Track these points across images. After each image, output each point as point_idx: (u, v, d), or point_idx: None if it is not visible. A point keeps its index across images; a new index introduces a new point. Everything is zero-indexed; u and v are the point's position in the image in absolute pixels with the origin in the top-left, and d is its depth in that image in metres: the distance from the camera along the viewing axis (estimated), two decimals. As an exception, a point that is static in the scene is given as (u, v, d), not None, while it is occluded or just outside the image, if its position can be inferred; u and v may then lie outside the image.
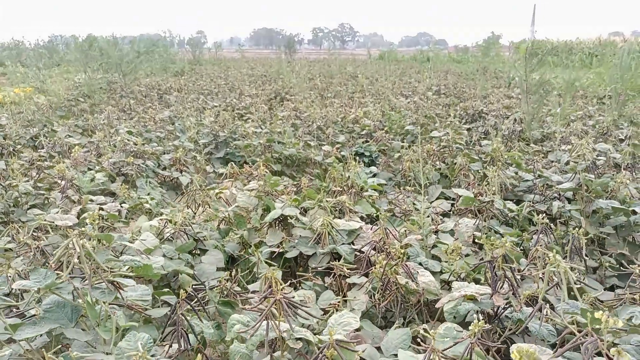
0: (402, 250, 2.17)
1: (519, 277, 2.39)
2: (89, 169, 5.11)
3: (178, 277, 2.88)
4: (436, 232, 3.26)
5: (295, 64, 24.60)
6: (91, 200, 3.71)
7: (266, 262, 2.82)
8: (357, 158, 5.52)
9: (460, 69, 22.49)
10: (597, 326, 1.28)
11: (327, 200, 3.31)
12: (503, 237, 3.16)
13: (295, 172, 5.73)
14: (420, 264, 2.65)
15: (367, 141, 6.58)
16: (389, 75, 17.98)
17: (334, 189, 3.69)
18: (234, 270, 3.19)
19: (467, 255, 2.99)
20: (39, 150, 5.89)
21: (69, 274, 1.79)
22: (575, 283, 1.67)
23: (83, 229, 2.29)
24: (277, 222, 3.22)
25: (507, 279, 1.97)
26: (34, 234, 3.11)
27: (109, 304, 1.92)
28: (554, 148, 5.19)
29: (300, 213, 3.14)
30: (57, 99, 11.28)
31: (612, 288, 2.92)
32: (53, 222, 3.20)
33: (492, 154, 4.31)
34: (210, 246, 3.24)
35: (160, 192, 5.01)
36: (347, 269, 2.52)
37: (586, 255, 2.86)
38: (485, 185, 3.19)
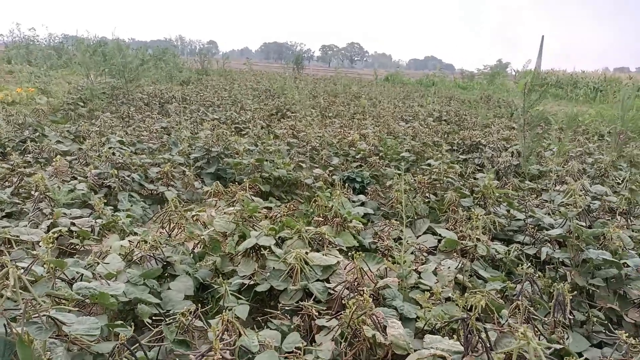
0: (369, 300, 2.02)
1: (498, 332, 2.24)
2: (74, 178, 5.00)
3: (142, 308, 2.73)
4: (418, 271, 3.12)
5: (301, 80, 24.66)
6: (64, 214, 3.58)
7: (235, 295, 2.67)
8: (347, 184, 5.39)
9: (465, 96, 22.49)
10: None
11: (306, 230, 3.17)
12: (486, 282, 3.02)
13: (284, 193, 5.59)
14: (395, 308, 2.50)
15: (360, 166, 6.47)
16: (392, 98, 17.96)
17: (316, 218, 3.56)
18: (201, 300, 3.05)
19: (447, 299, 2.84)
20: (26, 155, 5.78)
21: (3, 305, 1.65)
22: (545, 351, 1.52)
23: (35, 251, 2.15)
24: (252, 251, 3.07)
25: (480, 339, 1.82)
26: (-4, 247, 2.96)
27: (50, 339, 1.77)
28: (548, 187, 5.06)
29: (276, 244, 3.00)
30: (57, 101, 11.23)
31: (599, 345, 2.76)
32: (18, 237, 3.07)
33: (484, 190, 4.18)
34: (181, 271, 3.10)
35: (143, 207, 4.88)
36: (317, 310, 2.37)
37: (573, 309, 2.71)
38: (469, 229, 3.05)
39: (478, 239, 2.93)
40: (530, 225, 3.93)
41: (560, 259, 3.20)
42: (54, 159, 4.72)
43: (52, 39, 34.74)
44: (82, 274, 2.42)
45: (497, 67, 36.19)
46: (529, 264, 3.09)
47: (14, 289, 1.56)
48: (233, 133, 8.79)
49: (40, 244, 2.17)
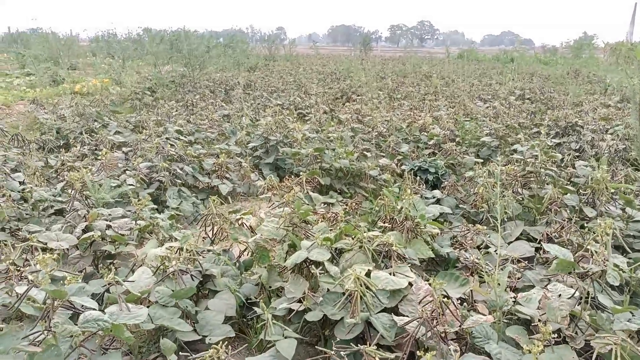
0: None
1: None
2: (125, 171, 4.75)
3: (173, 333, 2.30)
4: (514, 292, 2.43)
5: (367, 62, 23.76)
6: (102, 215, 3.25)
7: (279, 325, 2.16)
8: (418, 175, 4.71)
9: (548, 72, 20.49)
10: None
11: (370, 239, 2.58)
12: (607, 311, 2.27)
13: (347, 186, 5.02)
14: (489, 355, 1.86)
15: (434, 153, 5.73)
16: (467, 76, 16.68)
17: (381, 224, 2.95)
18: (246, 321, 2.57)
19: (558, 337, 2.14)
20: (83, 147, 5.65)
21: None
22: None
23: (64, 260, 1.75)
24: (303, 266, 2.54)
25: None
26: (23, 255, 2.67)
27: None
28: (676, 178, 4.07)
29: (332, 257, 2.44)
30: (128, 92, 11.39)
31: None
32: (46, 244, 2.76)
33: (594, 184, 3.34)
34: (222, 286, 2.65)
35: (194, 203, 4.52)
36: (383, 357, 1.79)
37: None
38: (592, 243, 2.28)
39: (605, 260, 2.16)
40: (658, 231, 3.07)
41: None
42: (101, 152, 4.46)
43: (130, 33, 36.29)
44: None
45: (583, 39, 32.97)
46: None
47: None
48: (296, 119, 8.32)
49: (37, 265, 1.78)
